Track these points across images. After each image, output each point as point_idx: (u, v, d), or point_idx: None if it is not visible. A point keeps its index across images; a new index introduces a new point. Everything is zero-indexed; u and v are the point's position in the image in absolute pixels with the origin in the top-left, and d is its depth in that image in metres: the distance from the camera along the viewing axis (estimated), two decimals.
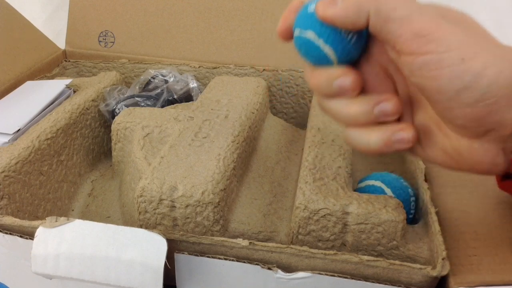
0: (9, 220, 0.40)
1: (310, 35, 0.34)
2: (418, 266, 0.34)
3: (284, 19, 0.36)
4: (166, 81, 0.65)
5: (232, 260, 0.37)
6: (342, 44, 0.33)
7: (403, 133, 0.34)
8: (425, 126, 0.35)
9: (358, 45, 0.34)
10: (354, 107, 0.34)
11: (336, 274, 0.36)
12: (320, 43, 0.33)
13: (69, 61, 0.73)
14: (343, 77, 0.34)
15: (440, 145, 0.34)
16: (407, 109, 0.36)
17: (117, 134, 0.53)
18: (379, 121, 0.35)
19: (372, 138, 0.34)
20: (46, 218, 0.38)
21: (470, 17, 0.32)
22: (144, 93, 0.62)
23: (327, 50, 0.33)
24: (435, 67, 0.30)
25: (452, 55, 0.29)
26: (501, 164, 0.32)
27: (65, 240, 0.37)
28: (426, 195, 0.41)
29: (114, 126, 0.53)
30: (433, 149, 0.35)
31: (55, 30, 0.88)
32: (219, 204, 0.41)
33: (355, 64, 0.35)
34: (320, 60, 0.34)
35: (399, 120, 0.35)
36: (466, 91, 0.29)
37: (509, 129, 0.30)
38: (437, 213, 0.39)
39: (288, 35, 0.36)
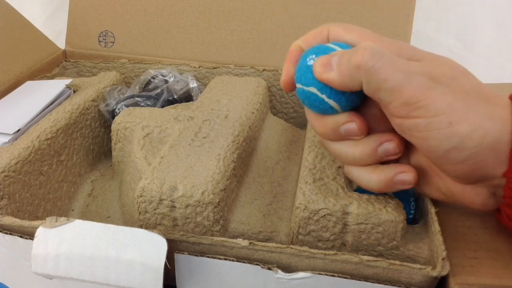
0: (9, 220, 0.40)
1: (313, 90, 0.36)
2: (418, 266, 0.34)
3: (286, 72, 0.38)
4: (166, 81, 0.65)
5: (232, 260, 0.37)
6: (344, 96, 0.35)
7: (405, 175, 0.36)
8: (420, 167, 0.37)
9: (360, 94, 0.35)
10: (359, 149, 0.36)
11: (336, 274, 0.36)
12: (324, 97, 0.35)
13: (69, 61, 0.73)
14: (350, 123, 0.36)
15: (435, 185, 0.37)
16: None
17: (117, 134, 0.53)
18: (382, 161, 0.37)
19: (373, 178, 0.37)
20: (46, 218, 0.38)
21: (463, 71, 0.33)
22: (144, 93, 0.62)
23: (331, 102, 0.35)
24: (424, 129, 0.32)
25: (440, 119, 0.31)
26: (492, 205, 0.35)
27: (65, 240, 0.37)
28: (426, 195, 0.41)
29: (114, 126, 0.53)
30: (428, 187, 0.37)
31: (55, 30, 0.88)
32: (219, 204, 0.41)
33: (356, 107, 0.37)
34: (325, 111, 0.36)
35: (397, 160, 0.37)
36: (454, 151, 0.31)
37: (497, 180, 0.32)
38: (437, 213, 0.39)
39: (292, 87, 0.38)
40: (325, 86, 0.35)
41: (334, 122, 0.36)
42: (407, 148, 0.37)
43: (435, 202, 0.40)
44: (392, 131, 0.36)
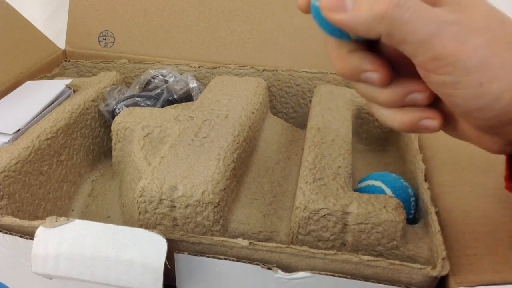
0: (9, 220, 0.40)
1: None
2: (418, 266, 0.34)
3: None
4: (166, 81, 0.65)
5: (232, 260, 0.37)
6: None
7: (431, 121, 0.33)
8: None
9: None
10: (384, 95, 0.33)
11: (336, 274, 0.36)
12: None
13: (69, 61, 0.73)
14: (371, 73, 0.32)
15: (452, 125, 0.33)
16: None
17: (117, 134, 0.53)
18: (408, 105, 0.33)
19: (397, 118, 0.33)
20: (46, 218, 0.38)
21: (500, 18, 0.30)
22: (144, 93, 0.62)
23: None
24: (451, 87, 0.29)
25: (470, 78, 0.28)
26: (508, 151, 0.32)
27: (65, 240, 0.37)
28: (426, 195, 0.41)
29: (114, 126, 0.53)
30: (444, 126, 0.33)
31: (55, 30, 0.88)
32: (219, 204, 0.41)
33: (377, 44, 0.33)
34: (337, 34, 0.31)
35: None
36: (480, 111, 0.29)
37: None
38: (437, 213, 0.39)
39: (308, 8, 0.33)
40: None
41: (354, 67, 0.32)
42: None
43: (435, 202, 0.40)
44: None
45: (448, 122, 0.34)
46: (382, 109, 0.34)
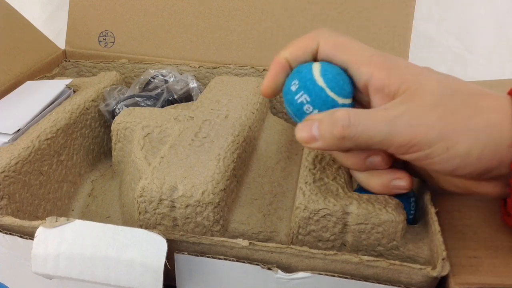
0: (9, 220, 0.40)
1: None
2: (418, 266, 0.34)
3: (268, 83, 0.40)
4: (166, 81, 0.65)
5: (232, 260, 0.37)
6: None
7: (401, 181, 0.38)
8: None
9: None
10: (350, 160, 0.39)
11: (336, 274, 0.36)
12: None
13: (69, 61, 0.73)
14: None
15: (451, 182, 0.37)
16: None
17: (117, 134, 0.53)
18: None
19: (372, 182, 0.39)
20: (46, 218, 0.38)
21: (447, 83, 0.34)
22: (144, 93, 0.62)
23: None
24: (425, 159, 0.33)
25: (436, 148, 0.32)
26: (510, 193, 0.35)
27: (65, 240, 0.37)
28: (426, 195, 0.41)
29: (114, 126, 0.53)
30: (444, 183, 0.38)
31: (55, 30, 0.88)
32: (219, 204, 0.41)
33: None
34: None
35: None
36: (458, 169, 0.33)
37: (508, 170, 0.33)
38: (437, 213, 0.39)
39: (272, 96, 0.41)
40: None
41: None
42: None
43: (435, 203, 0.40)
44: None
45: (442, 176, 0.38)
46: (361, 175, 0.40)
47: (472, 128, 0.32)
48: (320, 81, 0.36)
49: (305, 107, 0.37)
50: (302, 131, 0.36)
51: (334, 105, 0.36)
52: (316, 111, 0.37)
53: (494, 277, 0.33)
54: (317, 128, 0.35)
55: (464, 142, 0.32)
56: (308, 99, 0.36)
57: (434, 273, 0.34)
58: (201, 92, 0.63)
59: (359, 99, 0.39)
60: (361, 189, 0.44)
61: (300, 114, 0.37)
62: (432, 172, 0.37)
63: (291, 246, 0.37)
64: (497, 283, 0.33)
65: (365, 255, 0.38)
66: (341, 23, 0.66)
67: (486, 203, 0.40)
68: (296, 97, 0.37)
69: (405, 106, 0.33)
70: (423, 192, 0.42)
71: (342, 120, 0.34)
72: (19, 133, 0.50)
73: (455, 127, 0.32)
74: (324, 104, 0.36)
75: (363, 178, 0.39)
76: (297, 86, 0.37)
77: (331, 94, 0.36)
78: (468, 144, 0.31)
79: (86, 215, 0.52)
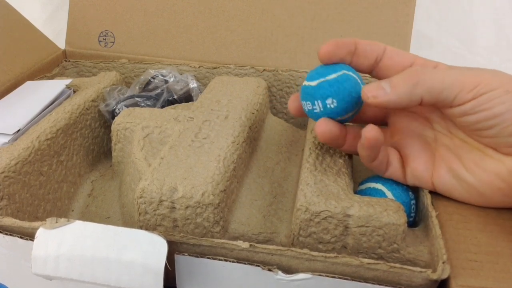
0: (9, 221, 0.40)
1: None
2: (418, 269, 0.34)
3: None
4: (166, 81, 0.65)
5: (233, 261, 0.37)
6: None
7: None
8: (473, 155, 0.40)
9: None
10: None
11: (336, 277, 0.36)
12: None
13: (69, 61, 0.73)
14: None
15: (494, 170, 0.38)
16: None
17: (117, 135, 0.53)
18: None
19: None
20: (46, 219, 0.38)
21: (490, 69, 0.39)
22: (144, 93, 0.62)
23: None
24: (487, 101, 0.36)
25: (499, 91, 0.36)
26: None
27: (65, 241, 0.37)
28: (426, 198, 0.41)
29: (114, 127, 0.53)
30: (487, 175, 0.39)
31: (55, 30, 0.87)
32: (219, 205, 0.41)
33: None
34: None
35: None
36: None
37: None
38: (437, 216, 0.39)
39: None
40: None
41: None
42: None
43: (435, 204, 0.40)
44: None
45: (486, 168, 0.39)
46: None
47: None
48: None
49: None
50: (368, 91, 0.38)
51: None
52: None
53: (495, 282, 0.33)
54: (387, 82, 0.38)
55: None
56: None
57: (435, 276, 0.34)
58: (201, 92, 0.63)
59: None
60: (362, 191, 0.44)
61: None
62: (487, 127, 0.38)
63: (292, 248, 0.37)
64: None
65: (365, 257, 0.38)
66: (341, 23, 0.66)
67: (486, 209, 0.40)
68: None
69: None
70: (424, 195, 0.42)
71: (414, 69, 0.38)
72: (19, 133, 0.49)
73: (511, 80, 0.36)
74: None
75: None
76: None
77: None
78: None
79: (86, 216, 0.52)
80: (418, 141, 0.43)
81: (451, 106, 0.37)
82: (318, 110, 0.41)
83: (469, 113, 0.37)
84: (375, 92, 0.38)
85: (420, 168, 0.42)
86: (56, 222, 0.38)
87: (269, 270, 0.37)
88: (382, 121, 0.46)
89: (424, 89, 0.37)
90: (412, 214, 0.43)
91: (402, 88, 0.37)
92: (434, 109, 0.42)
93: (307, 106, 0.42)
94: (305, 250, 0.36)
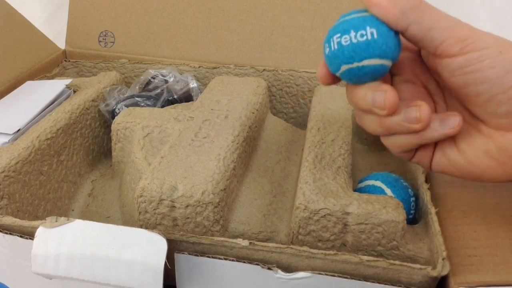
0: (9, 220, 0.40)
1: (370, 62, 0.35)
2: (418, 266, 0.34)
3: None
4: (166, 81, 0.65)
5: (232, 260, 0.37)
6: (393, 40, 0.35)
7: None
8: (466, 132, 0.37)
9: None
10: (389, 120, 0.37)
11: (336, 274, 0.36)
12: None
13: (69, 61, 0.73)
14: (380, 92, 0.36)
15: (483, 148, 0.36)
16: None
17: (117, 134, 0.53)
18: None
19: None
20: (46, 218, 0.38)
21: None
22: (144, 93, 0.62)
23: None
24: (476, 61, 0.33)
25: (490, 50, 0.33)
26: None
27: (65, 240, 0.37)
28: (426, 195, 0.41)
29: (114, 126, 0.53)
30: (476, 154, 0.36)
31: (55, 30, 0.88)
32: (219, 204, 0.41)
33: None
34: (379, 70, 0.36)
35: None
36: (507, 75, 0.33)
37: None
38: (437, 213, 0.39)
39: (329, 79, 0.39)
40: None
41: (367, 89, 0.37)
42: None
43: (435, 203, 0.40)
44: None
45: (473, 143, 0.37)
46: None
47: None
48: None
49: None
50: None
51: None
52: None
53: (494, 275, 0.33)
54: None
55: None
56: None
57: (434, 273, 0.34)
58: (201, 92, 0.63)
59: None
60: (361, 189, 0.44)
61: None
62: (475, 92, 0.35)
63: (291, 246, 0.37)
64: (498, 281, 0.33)
65: (365, 255, 0.38)
66: None
67: (485, 201, 0.40)
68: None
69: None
70: (423, 192, 0.42)
71: None
72: (19, 133, 0.50)
73: (508, 42, 0.34)
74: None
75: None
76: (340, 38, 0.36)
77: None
78: None
79: (86, 215, 0.52)
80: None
81: (436, 51, 0.35)
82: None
83: (457, 74, 0.35)
84: None
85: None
86: (56, 221, 0.38)
87: (269, 268, 0.37)
88: None
89: (417, 17, 0.34)
90: (412, 211, 0.43)
91: (400, 3, 0.34)
92: (430, 78, 0.40)
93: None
94: (305, 248, 0.36)
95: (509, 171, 0.36)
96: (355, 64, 0.35)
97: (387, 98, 0.36)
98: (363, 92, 0.37)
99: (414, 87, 0.40)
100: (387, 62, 0.35)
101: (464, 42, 0.34)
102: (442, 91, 0.39)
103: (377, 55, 0.35)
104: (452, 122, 0.36)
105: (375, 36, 0.35)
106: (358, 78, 0.36)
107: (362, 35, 0.35)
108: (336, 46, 0.36)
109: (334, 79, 0.39)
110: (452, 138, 0.38)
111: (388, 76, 0.40)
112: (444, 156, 0.38)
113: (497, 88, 0.34)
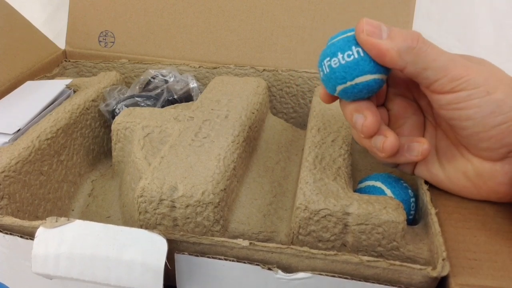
0: (9, 220, 0.40)
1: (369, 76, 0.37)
2: (418, 266, 0.34)
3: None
4: (166, 81, 0.65)
5: (232, 261, 0.37)
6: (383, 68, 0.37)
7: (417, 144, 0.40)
8: (449, 151, 0.40)
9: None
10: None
11: (336, 275, 0.36)
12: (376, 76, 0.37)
13: (69, 61, 0.73)
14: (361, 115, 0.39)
15: (462, 169, 0.39)
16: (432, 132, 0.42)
17: (117, 134, 0.53)
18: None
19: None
20: (46, 219, 0.38)
21: (487, 61, 0.39)
22: (144, 93, 0.62)
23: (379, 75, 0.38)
24: (465, 100, 0.36)
25: (479, 90, 0.35)
26: None
27: (66, 241, 0.37)
28: (426, 196, 0.41)
29: (114, 126, 0.53)
30: (455, 173, 0.40)
31: (55, 30, 0.88)
32: (219, 204, 0.41)
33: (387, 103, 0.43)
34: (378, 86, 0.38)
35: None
36: (491, 115, 0.35)
37: None
38: (437, 214, 0.39)
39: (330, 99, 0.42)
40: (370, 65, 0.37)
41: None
42: (434, 133, 0.42)
43: (435, 203, 0.40)
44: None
45: (452, 162, 0.40)
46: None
47: (509, 84, 0.36)
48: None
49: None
50: (367, 23, 0.36)
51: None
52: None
53: (494, 280, 0.33)
54: (386, 30, 0.36)
55: (502, 90, 0.35)
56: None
57: (434, 274, 0.34)
58: (201, 92, 0.63)
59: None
60: (362, 190, 0.44)
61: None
62: (461, 126, 0.38)
63: (292, 246, 0.37)
64: (496, 286, 0.33)
65: (365, 255, 0.38)
66: (341, 23, 0.66)
67: (484, 208, 0.40)
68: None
69: (460, 55, 0.37)
70: (423, 193, 0.42)
71: (417, 35, 0.36)
72: (19, 133, 0.50)
73: (496, 78, 0.36)
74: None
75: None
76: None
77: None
78: (505, 93, 0.35)
79: (86, 215, 0.52)
80: (411, 127, 0.43)
81: (429, 87, 0.37)
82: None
83: (445, 108, 0.37)
84: (372, 29, 0.36)
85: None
86: (56, 221, 0.38)
87: (269, 269, 0.37)
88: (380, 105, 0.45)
89: (414, 58, 0.36)
90: (412, 212, 0.43)
91: (397, 44, 0.35)
92: (422, 95, 0.41)
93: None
94: (305, 248, 0.36)
95: (483, 194, 0.39)
96: (349, 83, 0.37)
97: (364, 125, 0.38)
98: (349, 111, 0.39)
99: (406, 101, 0.43)
100: (379, 76, 0.37)
101: (456, 82, 0.36)
102: (431, 109, 0.41)
103: (367, 71, 0.37)
104: (417, 150, 0.39)
105: (361, 54, 0.37)
106: (355, 95, 0.38)
107: (349, 55, 0.37)
108: (327, 70, 0.38)
109: (336, 97, 0.41)
110: (435, 153, 0.41)
111: (385, 88, 0.43)
112: (426, 167, 0.42)
113: (480, 127, 0.36)
